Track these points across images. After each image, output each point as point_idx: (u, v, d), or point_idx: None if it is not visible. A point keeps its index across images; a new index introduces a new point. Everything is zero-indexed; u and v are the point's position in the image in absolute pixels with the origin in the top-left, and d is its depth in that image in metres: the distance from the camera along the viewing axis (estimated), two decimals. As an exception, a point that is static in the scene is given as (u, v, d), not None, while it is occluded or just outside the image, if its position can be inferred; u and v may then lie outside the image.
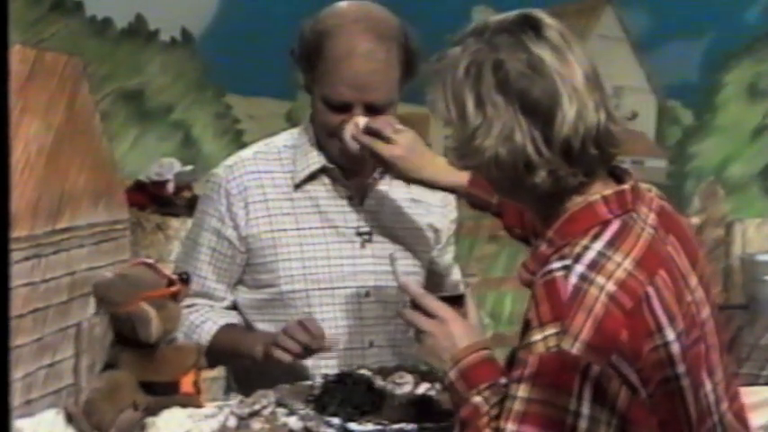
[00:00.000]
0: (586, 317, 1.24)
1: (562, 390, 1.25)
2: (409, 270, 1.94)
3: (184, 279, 1.64)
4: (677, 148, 6.05)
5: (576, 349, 1.24)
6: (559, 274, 1.27)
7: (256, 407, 1.65)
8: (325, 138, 1.91)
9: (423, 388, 1.72)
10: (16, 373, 3.52)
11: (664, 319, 1.28)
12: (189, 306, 1.92)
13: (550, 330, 1.26)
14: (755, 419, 1.84)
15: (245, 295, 1.95)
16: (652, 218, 1.37)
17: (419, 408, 1.65)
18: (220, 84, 5.70)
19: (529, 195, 1.36)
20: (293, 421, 1.68)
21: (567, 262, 1.28)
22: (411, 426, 1.58)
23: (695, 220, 5.18)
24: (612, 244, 1.30)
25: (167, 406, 1.59)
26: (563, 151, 1.29)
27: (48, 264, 3.73)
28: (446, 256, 2.07)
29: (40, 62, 3.79)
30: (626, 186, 1.36)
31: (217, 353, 1.87)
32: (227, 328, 1.93)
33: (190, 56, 5.69)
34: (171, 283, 1.62)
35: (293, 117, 5.55)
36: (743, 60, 6.00)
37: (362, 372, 1.74)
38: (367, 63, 1.83)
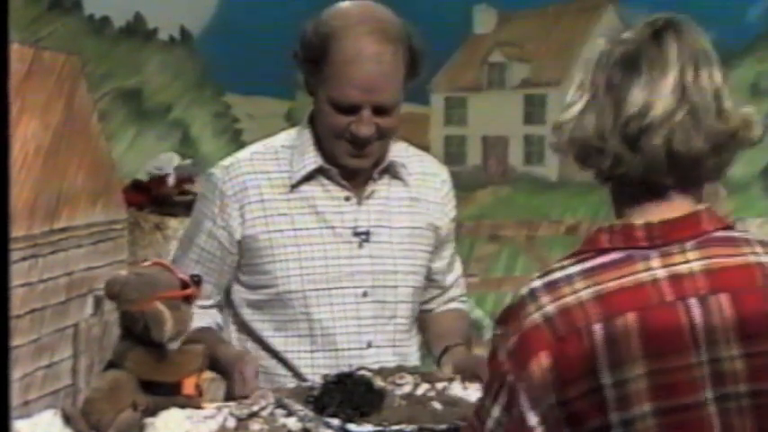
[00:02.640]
0: (517, 329, 1.25)
1: (487, 387, 1.30)
2: (408, 269, 1.95)
3: (197, 282, 1.65)
4: (678, 148, 6.06)
5: (501, 354, 1.26)
6: (528, 284, 1.28)
7: (255, 408, 1.65)
8: (331, 139, 1.90)
9: (423, 389, 1.72)
10: (14, 374, 3.53)
11: (604, 361, 1.21)
12: None
13: (496, 330, 1.30)
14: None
15: (243, 296, 1.95)
16: (683, 267, 1.25)
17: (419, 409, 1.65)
18: (219, 83, 5.71)
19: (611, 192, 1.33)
20: (292, 422, 1.69)
21: (541, 275, 1.28)
22: (410, 427, 1.59)
23: (697, 221, 5.19)
24: (588, 273, 1.25)
25: (166, 407, 1.59)
26: (624, 139, 1.24)
27: (45, 264, 3.74)
28: (444, 253, 2.06)
29: (37, 61, 3.79)
30: (641, 221, 1.27)
31: None
32: (199, 332, 1.87)
33: (188, 55, 5.70)
34: (185, 285, 1.63)
35: (293, 116, 5.55)
36: (745, 60, 6.00)
37: (362, 373, 1.74)
38: (375, 65, 1.84)
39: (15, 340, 3.56)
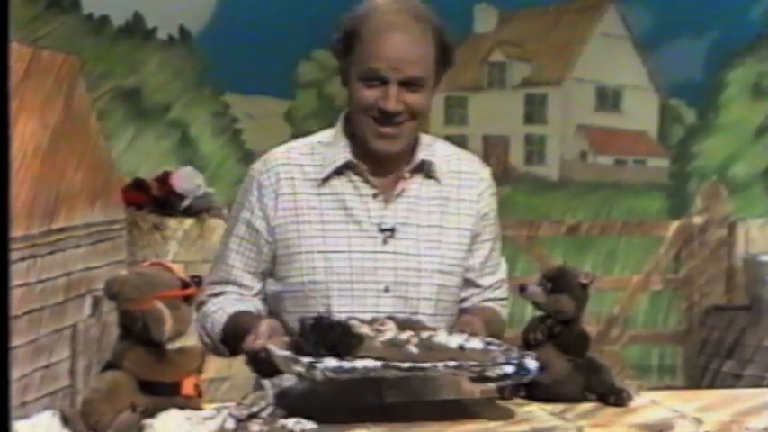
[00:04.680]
0: None
1: None
2: (433, 268, 1.98)
3: (197, 282, 1.67)
4: (680, 148, 6.05)
5: None
6: None
7: (254, 409, 1.65)
8: (360, 118, 1.95)
9: (405, 335, 1.75)
10: (12, 375, 3.53)
11: None
12: (218, 294, 2.03)
13: None
14: (758, 422, 1.84)
15: (271, 287, 2.02)
16: None
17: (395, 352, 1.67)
18: (218, 82, 5.70)
19: None
20: (292, 423, 1.69)
21: None
22: (376, 363, 1.63)
23: (698, 220, 5.19)
24: None
25: (166, 408, 1.59)
26: None
27: (43, 264, 3.73)
28: (478, 253, 2.07)
29: (36, 60, 3.79)
30: None
31: (229, 341, 1.96)
32: (236, 316, 1.98)
33: (188, 54, 5.69)
34: (185, 285, 1.64)
35: (292, 116, 5.55)
36: (746, 59, 6.00)
37: (351, 320, 1.76)
38: (402, 39, 1.90)
39: (13, 341, 3.55)
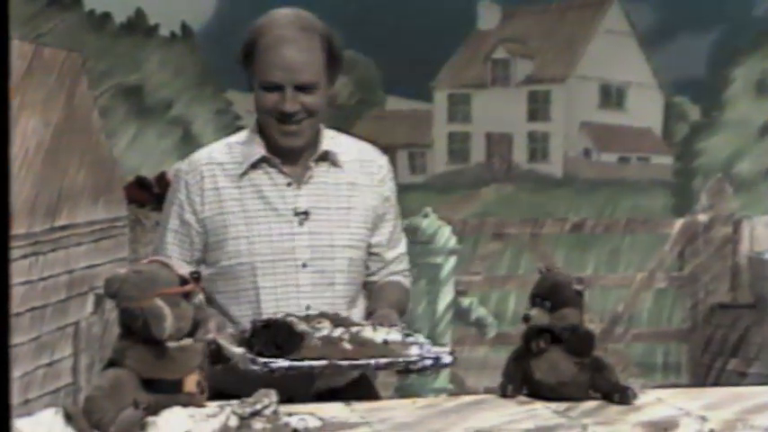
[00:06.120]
0: None
1: None
2: (344, 244, 2.28)
3: (196, 278, 1.67)
4: (684, 145, 6.04)
5: None
6: None
7: (258, 406, 1.65)
8: (265, 120, 2.27)
9: (338, 332, 2.01)
10: (14, 373, 3.53)
11: None
12: None
13: None
14: (763, 420, 1.84)
15: (203, 272, 2.22)
16: None
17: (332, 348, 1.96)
18: (221, 79, 5.70)
19: None
20: (295, 421, 1.69)
21: None
22: (320, 363, 1.92)
23: (702, 218, 5.18)
24: None
25: (168, 405, 1.60)
26: None
27: (46, 262, 3.74)
28: (383, 230, 2.37)
29: (38, 57, 3.79)
30: None
31: None
32: None
33: (190, 51, 5.69)
34: (184, 281, 1.65)
35: (294, 113, 5.53)
36: (751, 56, 5.99)
37: (289, 318, 2.01)
38: (293, 49, 2.21)
39: (15, 338, 3.56)
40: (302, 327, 1.99)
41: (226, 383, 1.98)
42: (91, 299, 3.99)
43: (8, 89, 0.91)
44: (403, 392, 4.50)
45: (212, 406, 1.67)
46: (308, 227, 2.27)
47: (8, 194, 0.91)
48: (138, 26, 5.62)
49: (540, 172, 5.96)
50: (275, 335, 1.95)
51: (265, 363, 1.89)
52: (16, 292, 3.57)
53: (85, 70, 4.21)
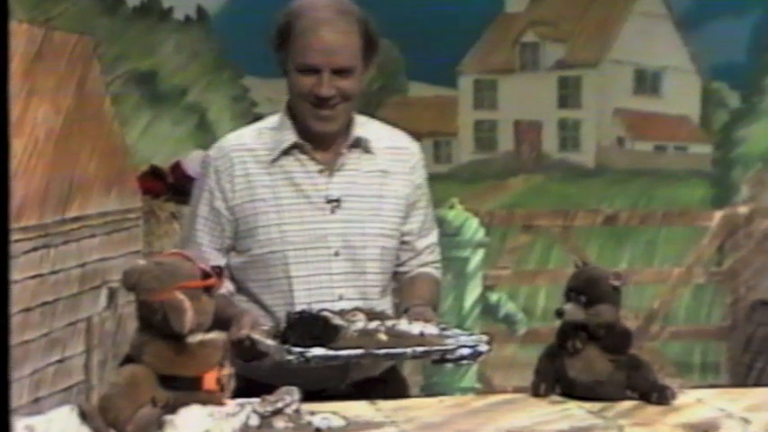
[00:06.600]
0: None
1: None
2: (376, 232, 2.32)
3: (218, 272, 1.68)
4: (723, 133, 6.01)
5: None
6: None
7: (279, 405, 1.66)
8: (300, 104, 2.30)
9: (374, 324, 2.05)
10: (24, 370, 3.55)
11: None
12: None
13: None
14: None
15: (234, 260, 2.32)
16: None
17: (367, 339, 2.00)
18: (238, 65, 5.70)
19: None
20: (317, 420, 1.69)
21: None
22: (356, 351, 1.96)
23: (743, 210, 5.15)
24: None
25: (187, 403, 1.60)
26: None
27: (57, 254, 3.76)
28: (414, 219, 2.40)
29: (48, 42, 3.81)
30: None
31: None
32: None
33: (205, 35, 5.70)
34: (206, 275, 1.65)
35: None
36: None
37: (325, 312, 2.06)
38: (331, 31, 2.25)
39: (26, 334, 3.58)
40: (338, 320, 2.04)
41: (259, 372, 2.08)
42: (104, 293, 4.00)
43: (7, 75, 0.91)
44: (429, 391, 4.51)
45: (232, 404, 1.67)
46: (340, 215, 2.31)
47: (8, 194, 0.92)
48: (151, 9, 5.63)
49: (570, 161, 5.94)
50: (311, 327, 1.98)
51: (301, 352, 1.93)
52: (26, 287, 3.59)
53: (97, 55, 4.22)
